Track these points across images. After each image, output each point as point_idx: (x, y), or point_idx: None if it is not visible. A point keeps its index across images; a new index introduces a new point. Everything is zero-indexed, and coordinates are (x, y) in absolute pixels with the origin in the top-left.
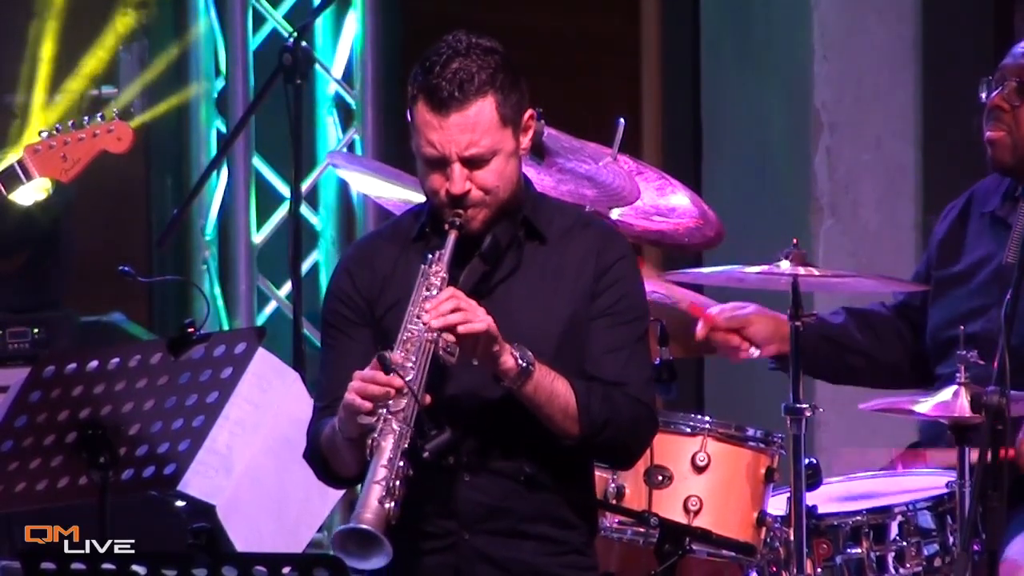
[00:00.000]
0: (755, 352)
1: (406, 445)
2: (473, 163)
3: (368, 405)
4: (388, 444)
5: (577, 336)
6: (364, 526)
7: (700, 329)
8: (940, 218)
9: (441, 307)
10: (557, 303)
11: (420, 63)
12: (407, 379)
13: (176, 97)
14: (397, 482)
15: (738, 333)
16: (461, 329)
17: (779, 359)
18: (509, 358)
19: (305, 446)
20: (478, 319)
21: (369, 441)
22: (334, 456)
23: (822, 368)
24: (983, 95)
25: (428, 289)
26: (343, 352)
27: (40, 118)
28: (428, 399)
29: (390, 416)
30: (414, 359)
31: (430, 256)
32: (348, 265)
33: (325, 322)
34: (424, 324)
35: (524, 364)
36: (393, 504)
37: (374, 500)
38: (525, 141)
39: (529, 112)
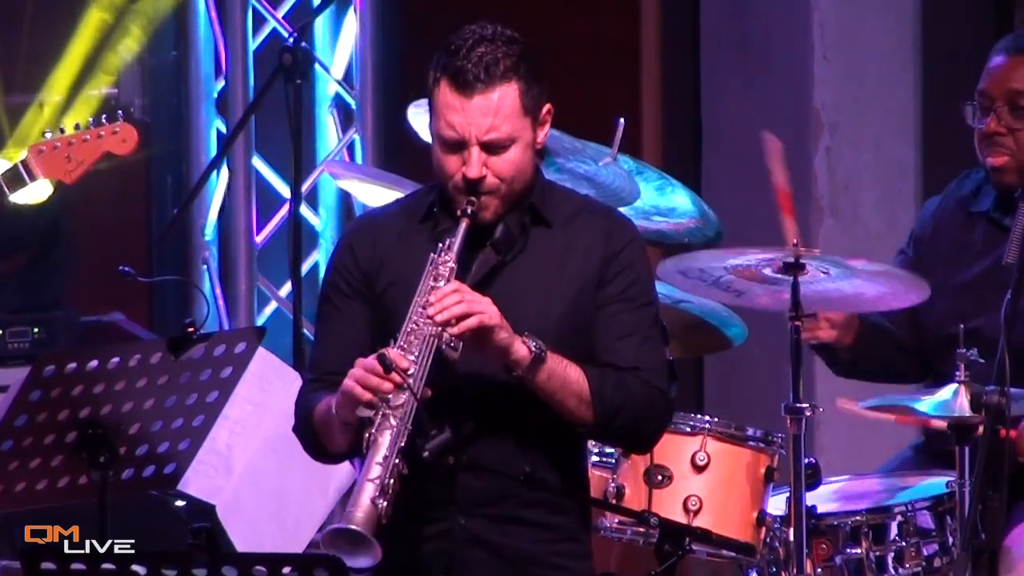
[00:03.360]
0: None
1: (403, 443)
2: (492, 148)
3: (367, 396)
4: (384, 441)
5: (582, 319)
6: (354, 527)
7: None
8: (924, 211)
9: (445, 301)
10: (562, 286)
11: (444, 47)
12: (408, 372)
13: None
14: (391, 480)
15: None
16: (465, 324)
17: (825, 347)
18: (521, 347)
19: (295, 420)
20: (484, 312)
21: (366, 435)
22: (326, 433)
23: (879, 363)
24: (970, 121)
25: (435, 280)
26: (336, 326)
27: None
28: (429, 392)
29: (388, 411)
30: (416, 353)
31: (440, 244)
32: (350, 238)
33: (322, 293)
34: (428, 317)
35: (536, 351)
36: (386, 504)
37: (366, 499)
38: (541, 135)
39: (547, 106)
